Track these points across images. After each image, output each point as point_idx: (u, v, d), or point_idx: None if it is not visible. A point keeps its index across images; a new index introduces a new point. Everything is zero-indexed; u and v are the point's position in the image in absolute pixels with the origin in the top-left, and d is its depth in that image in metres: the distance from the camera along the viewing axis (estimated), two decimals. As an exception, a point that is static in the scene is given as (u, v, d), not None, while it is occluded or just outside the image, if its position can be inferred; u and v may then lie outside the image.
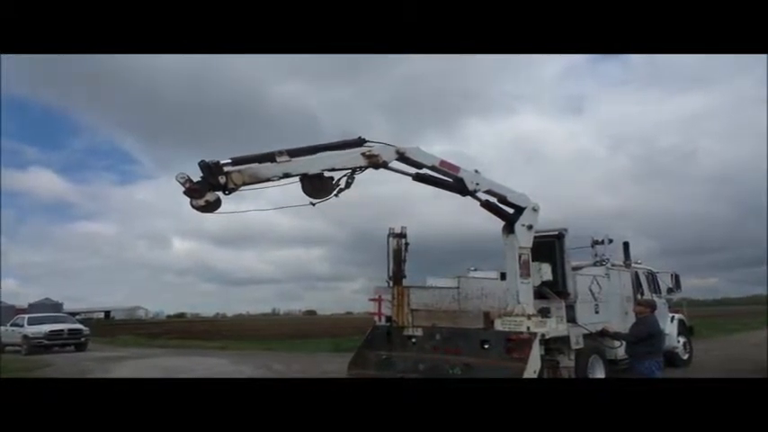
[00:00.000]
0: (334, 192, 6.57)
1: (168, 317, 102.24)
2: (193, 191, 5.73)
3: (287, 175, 6.26)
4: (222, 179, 5.83)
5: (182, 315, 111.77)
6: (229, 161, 6.00)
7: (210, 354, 19.66)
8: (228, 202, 6.00)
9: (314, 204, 6.43)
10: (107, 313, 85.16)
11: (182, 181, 5.69)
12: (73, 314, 35.95)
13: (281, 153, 6.28)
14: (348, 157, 6.69)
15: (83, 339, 22.51)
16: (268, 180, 6.17)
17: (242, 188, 6.00)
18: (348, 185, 6.69)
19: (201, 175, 5.83)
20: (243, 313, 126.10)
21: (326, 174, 6.53)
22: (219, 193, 5.90)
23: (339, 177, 6.65)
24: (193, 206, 5.80)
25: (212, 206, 5.87)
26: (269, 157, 6.24)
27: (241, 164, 6.06)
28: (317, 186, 6.44)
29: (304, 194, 6.40)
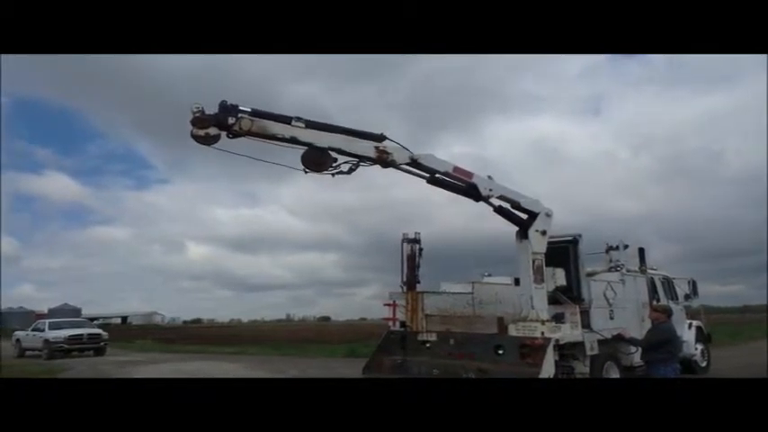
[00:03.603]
0: (332, 171, 6.72)
1: (184, 322, 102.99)
2: (199, 120, 5.95)
3: (294, 140, 6.42)
4: (232, 120, 6.06)
5: (198, 321, 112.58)
6: (249, 110, 6.21)
7: (227, 359, 19.83)
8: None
9: (306, 172, 6.59)
10: (124, 318, 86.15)
11: (194, 110, 5.93)
12: (91, 319, 36.52)
13: (298, 119, 6.48)
14: (359, 146, 6.81)
15: (102, 344, 22.80)
16: (274, 137, 6.32)
17: (247, 136, 6.19)
18: (350, 172, 6.85)
19: (216, 111, 6.05)
20: (258, 319, 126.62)
21: (332, 153, 6.66)
22: (223, 134, 6.10)
23: (344, 161, 6.79)
24: (192, 134, 6.00)
25: (210, 139, 6.06)
26: (286, 120, 6.42)
27: (258, 116, 6.26)
28: (318, 160, 6.59)
29: (301, 162, 6.54)
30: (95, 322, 35.96)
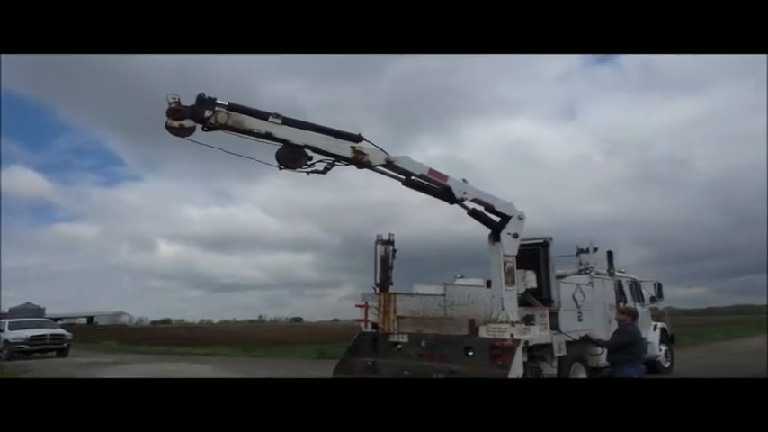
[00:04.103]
0: (307, 170, 6.68)
1: (153, 323, 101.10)
2: (175, 111, 5.85)
3: (269, 136, 6.36)
4: (208, 113, 5.96)
5: (167, 321, 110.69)
6: (226, 104, 6.13)
7: (195, 360, 19.51)
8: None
9: (280, 169, 6.54)
10: (90, 319, 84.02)
11: (171, 100, 5.82)
12: (55, 319, 35.44)
13: (276, 115, 6.40)
14: (336, 145, 6.77)
15: (65, 345, 22.19)
16: (249, 132, 6.26)
17: (222, 130, 6.12)
18: (325, 171, 6.81)
19: (193, 103, 5.96)
20: (229, 320, 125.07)
21: (308, 151, 6.62)
22: (198, 126, 6.01)
23: (319, 160, 6.75)
24: (166, 125, 5.90)
25: (184, 131, 5.96)
26: (263, 115, 6.36)
27: (235, 110, 6.18)
28: (293, 157, 6.54)
29: (275, 158, 6.48)
30: (59, 322, 34.87)
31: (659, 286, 12.92)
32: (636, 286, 12.17)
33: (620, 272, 11.56)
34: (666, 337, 12.80)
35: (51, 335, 22.09)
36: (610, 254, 11.24)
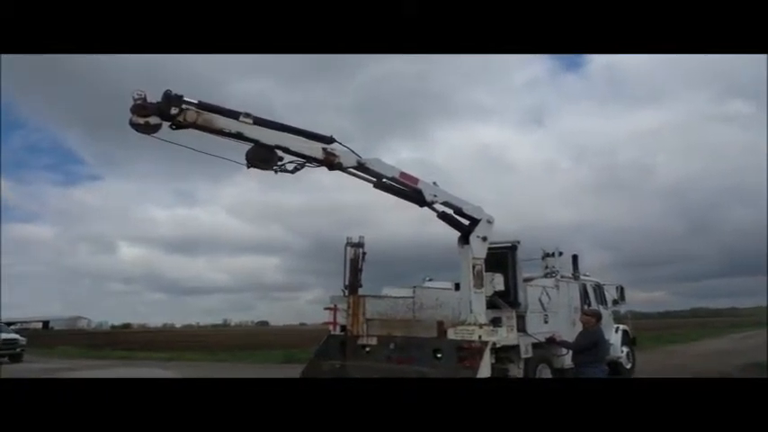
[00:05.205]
0: (276, 169, 6.61)
1: (112, 327, 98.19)
2: (140, 107, 5.68)
3: (240, 136, 6.26)
4: (176, 111, 5.81)
5: (127, 326, 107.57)
6: (195, 102, 5.98)
7: (157, 365, 18.97)
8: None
9: (248, 167, 6.45)
10: (46, 323, 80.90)
11: (136, 96, 5.65)
12: (8, 324, 33.93)
13: (247, 115, 6.30)
14: (307, 146, 6.71)
15: (18, 350, 21.32)
16: (220, 131, 6.14)
17: (190, 129, 5.98)
18: (294, 171, 6.75)
19: (160, 100, 5.80)
20: (192, 324, 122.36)
21: (278, 151, 6.55)
22: (164, 123, 5.86)
23: (289, 161, 6.69)
24: (131, 122, 5.72)
25: (149, 129, 5.80)
26: (234, 115, 6.24)
27: (204, 109, 6.05)
28: (262, 157, 6.46)
29: (245, 158, 6.40)
30: (12, 327, 33.42)
31: (622, 290, 13.25)
32: (599, 289, 12.44)
33: (584, 275, 11.81)
34: (628, 339, 13.13)
35: (3, 340, 21.17)
36: (575, 258, 11.49)
